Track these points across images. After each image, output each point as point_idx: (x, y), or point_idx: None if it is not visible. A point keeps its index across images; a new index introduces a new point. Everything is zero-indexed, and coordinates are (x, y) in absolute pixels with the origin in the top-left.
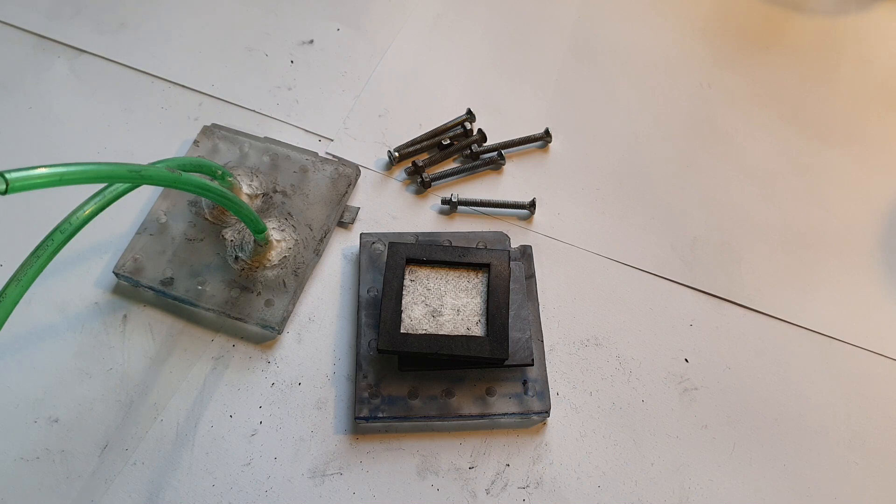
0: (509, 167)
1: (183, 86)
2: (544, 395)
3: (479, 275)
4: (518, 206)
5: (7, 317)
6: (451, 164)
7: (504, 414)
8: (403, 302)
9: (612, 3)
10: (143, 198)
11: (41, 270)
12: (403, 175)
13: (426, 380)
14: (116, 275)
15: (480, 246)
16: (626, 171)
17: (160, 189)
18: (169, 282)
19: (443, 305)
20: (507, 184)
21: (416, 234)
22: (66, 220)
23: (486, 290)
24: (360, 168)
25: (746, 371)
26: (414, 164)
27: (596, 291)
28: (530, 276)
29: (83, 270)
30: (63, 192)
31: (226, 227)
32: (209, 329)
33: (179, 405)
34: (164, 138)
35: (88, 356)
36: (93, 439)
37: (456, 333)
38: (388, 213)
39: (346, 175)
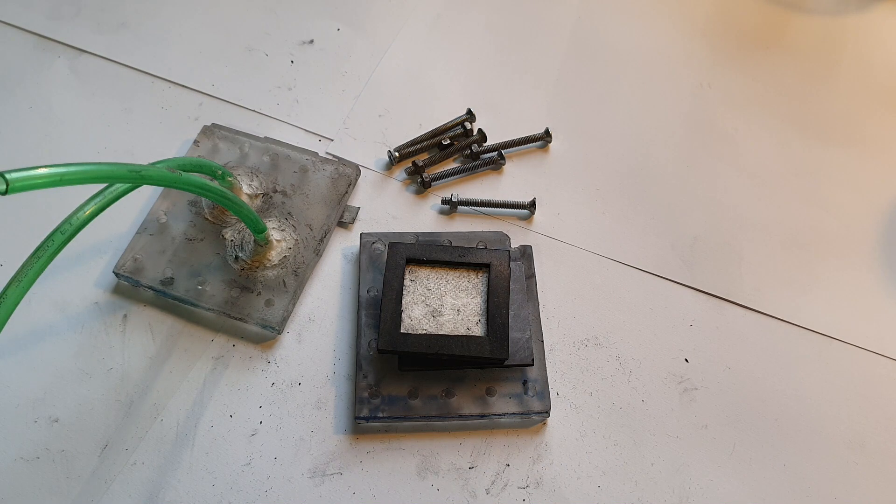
0: (509, 167)
1: (183, 86)
2: (544, 395)
3: (479, 275)
4: (518, 206)
5: (8, 318)
6: (451, 164)
7: (504, 414)
8: (403, 302)
9: (612, 3)
10: (143, 198)
11: (41, 271)
12: (403, 175)
13: (426, 380)
14: (116, 275)
15: (480, 246)
16: (626, 171)
17: (160, 189)
18: (169, 282)
19: (443, 305)
20: (507, 184)
21: (416, 234)
22: (67, 220)
23: (486, 290)
24: (360, 168)
25: (746, 371)
26: (414, 164)
27: (596, 291)
28: (530, 276)
29: (83, 270)
30: (63, 192)
31: (226, 227)
32: (209, 329)
33: (179, 405)
34: (164, 138)
35: (88, 356)
36: (93, 439)
37: (456, 333)
38: (388, 213)
39: (346, 175)
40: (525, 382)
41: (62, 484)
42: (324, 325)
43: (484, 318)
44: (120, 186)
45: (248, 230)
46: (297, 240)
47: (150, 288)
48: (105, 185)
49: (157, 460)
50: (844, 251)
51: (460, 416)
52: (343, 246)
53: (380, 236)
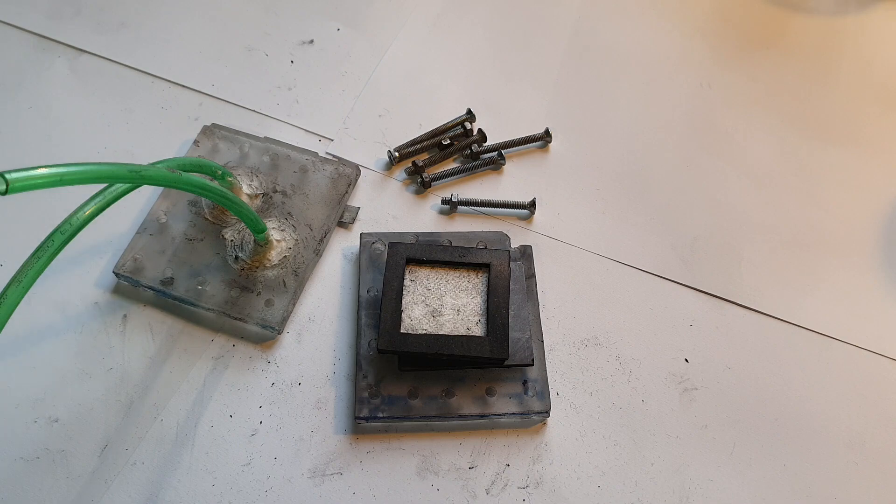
0: (509, 167)
1: (183, 86)
2: (544, 395)
3: (479, 275)
4: (518, 206)
5: (8, 318)
6: (451, 164)
7: (504, 414)
8: (403, 302)
9: (612, 3)
10: (143, 198)
11: (42, 272)
12: (403, 175)
13: (426, 380)
14: (116, 275)
15: (480, 246)
16: (626, 171)
17: (160, 189)
18: (169, 282)
19: (443, 305)
20: (507, 184)
21: (416, 234)
22: (67, 220)
23: (486, 290)
24: (360, 168)
25: (746, 371)
26: (414, 164)
27: (596, 291)
28: (530, 276)
29: (83, 270)
30: (63, 192)
31: (226, 227)
32: (209, 329)
33: (179, 405)
34: (164, 138)
35: (88, 356)
36: (93, 439)
37: (456, 333)
38: (388, 213)
39: (346, 175)
40: (525, 382)
41: (62, 484)
42: (324, 325)
43: (484, 318)
44: (120, 186)
45: (248, 230)
46: (297, 240)
47: (150, 288)
48: (105, 185)
49: (157, 460)
50: (844, 251)
51: (460, 416)
52: (343, 246)
53: (380, 236)
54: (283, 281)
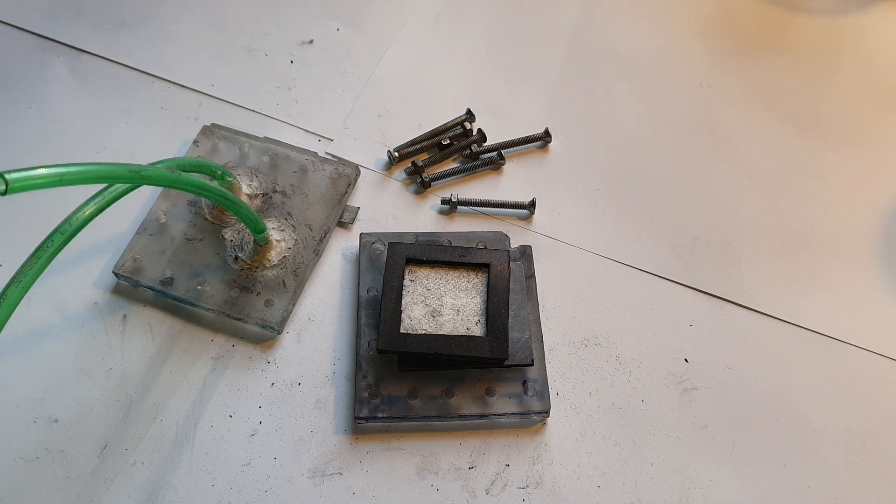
0: (509, 167)
1: (183, 86)
2: (544, 395)
3: (479, 275)
4: (518, 206)
5: (8, 318)
6: (450, 164)
7: (504, 414)
8: (403, 302)
9: (612, 3)
10: (143, 198)
11: (41, 272)
12: (403, 175)
13: (426, 380)
14: (116, 275)
15: (480, 246)
16: (626, 171)
17: (160, 189)
18: (169, 282)
19: (442, 305)
20: (507, 184)
21: (416, 234)
22: (66, 220)
23: (485, 290)
24: (360, 168)
25: (746, 371)
26: (414, 164)
27: (596, 291)
28: (530, 276)
29: (83, 270)
30: (63, 192)
31: (226, 227)
32: (209, 329)
33: (179, 405)
34: (164, 138)
35: (88, 356)
36: (93, 439)
37: (456, 333)
38: (388, 213)
39: (346, 175)
40: (525, 382)
41: (62, 484)
42: (323, 325)
43: (484, 318)
44: (120, 186)
45: (247, 230)
46: (296, 240)
47: (150, 288)
48: (105, 185)
49: (157, 460)
50: (844, 251)
51: (460, 416)
52: (343, 246)
53: (379, 236)
54: (283, 281)
